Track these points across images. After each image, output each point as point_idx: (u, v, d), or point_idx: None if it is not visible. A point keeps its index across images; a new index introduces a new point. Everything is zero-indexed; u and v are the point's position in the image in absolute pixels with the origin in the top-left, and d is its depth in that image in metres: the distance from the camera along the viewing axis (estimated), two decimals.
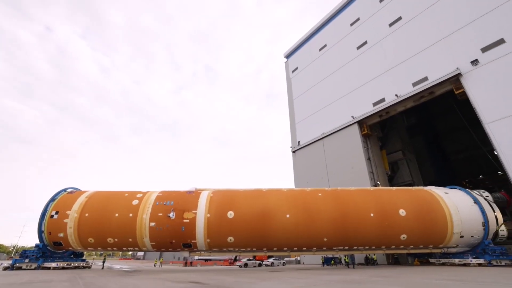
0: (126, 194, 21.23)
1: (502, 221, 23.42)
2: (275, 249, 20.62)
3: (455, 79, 27.39)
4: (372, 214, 20.32)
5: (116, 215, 19.48)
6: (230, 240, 19.43)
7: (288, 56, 57.25)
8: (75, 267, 22.16)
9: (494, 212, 23.00)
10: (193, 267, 44.15)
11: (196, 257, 51.53)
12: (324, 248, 20.94)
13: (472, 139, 35.22)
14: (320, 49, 47.92)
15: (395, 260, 30.71)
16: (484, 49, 25.89)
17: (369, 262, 29.32)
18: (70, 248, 20.84)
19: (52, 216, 19.97)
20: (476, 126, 27.71)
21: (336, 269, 22.61)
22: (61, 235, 19.73)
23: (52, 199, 21.20)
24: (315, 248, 20.84)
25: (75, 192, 22.08)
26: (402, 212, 20.60)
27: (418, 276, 13.50)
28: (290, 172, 50.12)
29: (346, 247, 21.02)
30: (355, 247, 21.10)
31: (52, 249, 21.15)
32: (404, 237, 20.63)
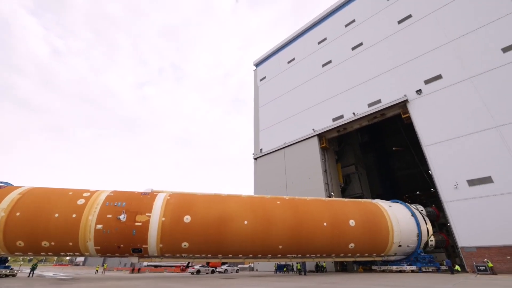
0: (71, 193, 19.09)
1: (432, 233, 26.78)
2: (230, 255, 20.42)
3: (403, 104, 30.92)
4: (325, 224, 21.48)
5: (56, 215, 17.35)
6: (185, 245, 18.71)
7: (257, 64, 58.51)
8: None
9: (426, 224, 26.22)
10: (141, 274, 41.22)
11: (145, 263, 48.28)
12: (279, 256, 21.41)
13: (413, 159, 39.77)
14: (289, 62, 50.01)
15: (343, 268, 32.71)
16: (427, 81, 29.78)
17: (319, 269, 30.74)
18: None
19: None
20: (417, 147, 31.41)
21: (288, 276, 23.24)
22: None
23: None
24: (270, 255, 21.17)
25: (5, 188, 19.13)
26: (351, 222, 22.17)
27: (362, 282, 14.59)
28: (250, 178, 50.10)
29: (300, 255, 21.80)
30: (308, 255, 22.00)
31: None
32: (352, 246, 22.18)
